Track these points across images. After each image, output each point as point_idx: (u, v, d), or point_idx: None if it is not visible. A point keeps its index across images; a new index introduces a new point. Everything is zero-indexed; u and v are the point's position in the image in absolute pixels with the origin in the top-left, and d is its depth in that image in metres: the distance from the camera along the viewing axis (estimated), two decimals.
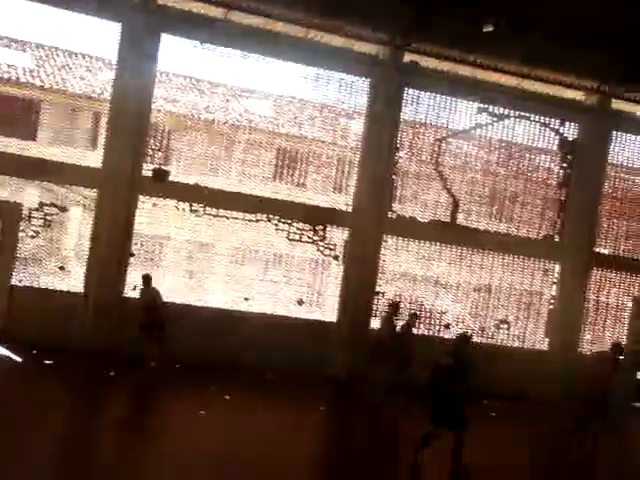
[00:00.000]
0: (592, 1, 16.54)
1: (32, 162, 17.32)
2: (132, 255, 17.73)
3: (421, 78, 19.42)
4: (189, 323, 17.06)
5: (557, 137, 20.89)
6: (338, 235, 19.22)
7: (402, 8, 18.05)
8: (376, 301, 19.23)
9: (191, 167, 19.01)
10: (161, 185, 17.87)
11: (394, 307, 17.82)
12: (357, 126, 19.66)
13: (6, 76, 19.57)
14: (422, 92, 19.68)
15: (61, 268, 17.77)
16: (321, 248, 19.12)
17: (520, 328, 20.78)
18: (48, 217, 17.49)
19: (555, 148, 21.10)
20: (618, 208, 21.55)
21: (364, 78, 19.22)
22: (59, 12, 17.76)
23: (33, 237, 17.40)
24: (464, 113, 20.17)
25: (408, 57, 19.19)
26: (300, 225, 18.88)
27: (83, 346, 16.07)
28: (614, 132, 21.04)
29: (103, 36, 17.99)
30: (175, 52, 18.40)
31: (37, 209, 17.39)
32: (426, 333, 19.57)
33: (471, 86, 19.76)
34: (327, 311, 19.38)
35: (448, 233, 19.90)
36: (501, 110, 20.32)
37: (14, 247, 17.10)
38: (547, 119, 20.69)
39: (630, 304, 21.44)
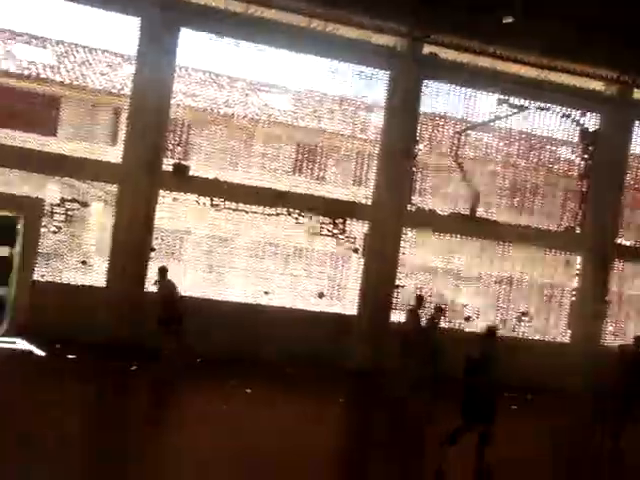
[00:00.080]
0: None
1: (53, 158, 17.44)
2: (153, 250, 17.81)
3: (440, 70, 19.35)
4: (209, 317, 17.10)
5: (578, 128, 20.77)
6: (358, 228, 19.21)
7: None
8: (396, 294, 19.21)
9: (211, 161, 19.04)
10: (181, 180, 17.93)
11: (419, 301, 17.79)
12: (376, 119, 19.62)
13: (27, 72, 19.66)
14: (441, 84, 19.64)
15: (83, 263, 17.85)
16: (341, 241, 19.14)
17: (541, 320, 20.68)
18: (69, 212, 17.59)
19: (576, 139, 20.99)
20: None
21: (383, 71, 19.20)
22: (79, 8, 17.85)
23: (55, 232, 17.51)
24: (484, 105, 20.12)
25: (427, 49, 19.14)
26: (320, 218, 18.90)
27: (105, 340, 16.16)
28: (635, 122, 20.88)
29: (123, 31, 18.07)
30: (194, 46, 18.41)
31: (59, 205, 17.50)
32: (447, 326, 19.47)
33: (491, 77, 19.67)
34: (347, 304, 19.37)
35: (468, 226, 19.83)
36: (521, 101, 20.23)
37: (36, 243, 17.23)
38: (568, 110, 20.58)
39: None
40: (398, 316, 19.10)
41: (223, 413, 13.22)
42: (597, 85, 20.51)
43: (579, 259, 20.79)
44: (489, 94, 20.01)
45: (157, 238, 17.99)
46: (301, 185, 19.23)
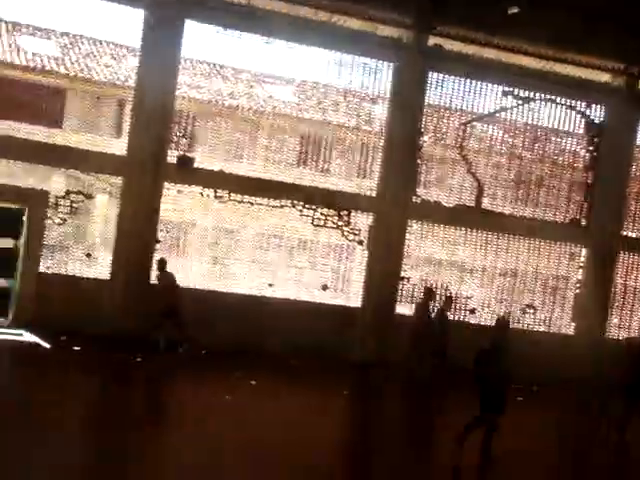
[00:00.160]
0: None
1: (58, 150, 17.46)
2: (158, 242, 17.83)
3: (445, 61, 19.28)
4: (214, 309, 17.16)
5: (583, 120, 20.68)
6: (362, 220, 19.19)
7: None
8: (401, 286, 19.21)
9: (215, 153, 19.05)
10: (186, 172, 17.93)
11: (429, 293, 17.82)
12: (381, 111, 19.58)
13: (32, 64, 19.70)
14: (446, 76, 19.57)
15: (88, 255, 17.89)
16: (345, 233, 19.12)
17: (546, 313, 20.66)
18: (74, 204, 17.61)
19: (581, 131, 20.90)
20: None
21: (388, 62, 19.13)
22: (83, 0, 17.85)
23: (60, 224, 17.53)
24: (489, 96, 20.04)
25: (432, 40, 19.06)
26: (324, 210, 18.88)
27: (110, 332, 16.19)
28: None
29: (127, 23, 18.08)
30: (199, 38, 18.44)
31: (64, 197, 17.51)
32: (452, 318, 19.45)
33: (496, 69, 19.61)
34: (352, 296, 19.37)
35: (473, 217, 19.80)
36: (526, 93, 20.15)
37: (41, 234, 17.27)
38: (573, 102, 20.49)
39: None
40: (404, 308, 19.13)
41: (227, 404, 13.24)
42: (603, 77, 20.43)
43: (584, 251, 20.75)
44: (494, 86, 19.93)
45: (162, 230, 18.01)
46: (306, 177, 19.22)
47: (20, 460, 9.02)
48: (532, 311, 20.47)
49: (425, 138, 19.58)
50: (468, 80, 19.68)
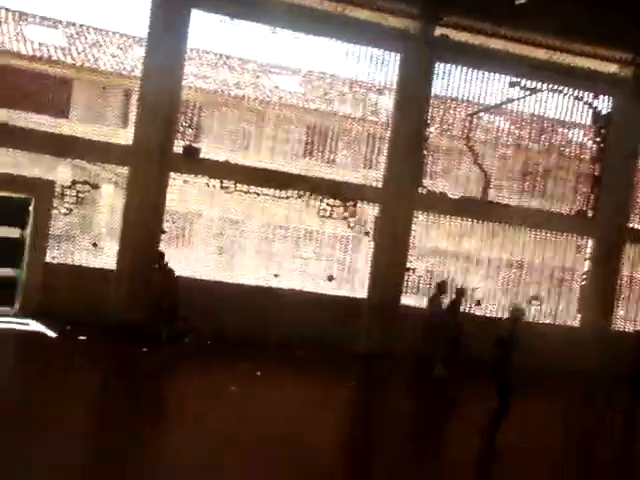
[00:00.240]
0: None
1: (64, 139, 17.47)
2: (163, 232, 17.85)
3: (452, 52, 19.21)
4: (219, 300, 17.18)
5: (590, 111, 20.61)
6: (368, 211, 19.18)
7: None
8: (406, 277, 19.21)
9: (222, 144, 19.03)
10: (192, 162, 17.93)
11: (441, 286, 17.88)
12: (387, 102, 19.53)
13: (38, 54, 19.71)
14: (453, 66, 19.50)
15: (94, 245, 17.91)
16: (351, 224, 19.11)
17: (552, 304, 20.63)
18: (80, 194, 17.63)
19: (588, 122, 20.84)
20: None
21: (394, 53, 19.07)
22: None
23: (66, 214, 17.55)
24: (496, 87, 19.99)
25: (439, 31, 18.98)
26: (330, 201, 18.86)
27: (116, 322, 16.23)
28: None
29: (133, 13, 18.04)
30: (205, 28, 18.36)
31: (70, 187, 17.53)
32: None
33: (503, 60, 19.53)
34: (357, 287, 19.38)
35: (479, 209, 19.76)
36: (533, 84, 20.09)
37: (47, 224, 17.29)
38: (580, 92, 20.42)
39: None
40: (409, 299, 19.14)
41: (233, 395, 13.26)
42: (611, 67, 20.34)
43: (590, 243, 20.70)
44: (501, 76, 19.87)
45: (167, 220, 18.02)
46: (312, 168, 19.20)
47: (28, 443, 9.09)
48: (538, 303, 20.44)
49: (431, 129, 19.54)
50: (475, 71, 19.62)
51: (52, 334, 15.80)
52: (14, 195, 17.46)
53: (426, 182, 19.52)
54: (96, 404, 12.29)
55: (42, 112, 18.58)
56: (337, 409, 13.82)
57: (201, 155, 18.15)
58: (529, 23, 18.59)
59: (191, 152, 18.02)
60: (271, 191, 18.47)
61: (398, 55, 19.05)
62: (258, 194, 18.46)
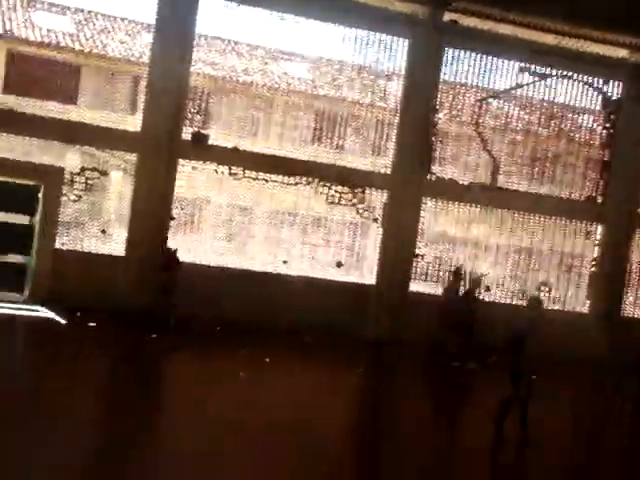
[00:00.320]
0: None
1: (73, 126, 17.47)
2: (172, 219, 17.86)
3: (461, 37, 19.12)
4: (228, 286, 17.21)
5: (600, 96, 20.51)
6: (377, 198, 19.15)
7: None
8: (415, 264, 19.19)
9: (230, 130, 19.01)
10: (200, 149, 17.92)
11: (457, 274, 17.88)
12: (396, 87, 19.46)
13: (46, 40, 19.69)
14: (462, 52, 19.44)
15: (103, 232, 17.95)
16: (360, 211, 19.09)
17: (561, 291, 20.60)
18: (89, 181, 17.66)
19: (598, 107, 20.74)
20: None
21: (403, 38, 19.00)
22: None
23: (75, 201, 17.59)
24: (505, 73, 19.91)
25: (448, 16, 18.88)
26: (339, 188, 18.84)
27: (125, 308, 16.28)
28: None
29: None
30: (213, 14, 18.32)
31: (79, 173, 17.56)
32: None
33: (512, 45, 19.41)
34: (366, 274, 19.39)
35: (488, 195, 19.71)
36: (543, 69, 19.99)
37: (56, 211, 17.34)
38: (590, 78, 20.32)
39: None
40: (418, 286, 19.15)
41: (241, 381, 13.31)
42: (620, 52, 20.19)
43: (600, 229, 20.63)
44: (510, 62, 19.78)
45: (176, 207, 18.04)
46: (320, 154, 19.16)
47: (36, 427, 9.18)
48: (547, 289, 20.41)
49: (440, 115, 19.47)
50: (484, 56, 19.54)
51: (62, 321, 15.87)
52: (24, 182, 17.49)
53: (435, 168, 19.47)
54: (105, 390, 12.35)
55: (50, 99, 18.58)
56: (345, 395, 13.86)
57: (209, 142, 18.15)
58: (538, 8, 18.45)
59: (199, 139, 18.01)
60: (280, 177, 18.47)
61: (407, 41, 18.98)
62: (267, 180, 18.45)
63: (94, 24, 20.96)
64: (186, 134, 17.95)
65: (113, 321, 15.89)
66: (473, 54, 19.44)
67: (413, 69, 18.90)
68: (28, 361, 13.47)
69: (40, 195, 17.44)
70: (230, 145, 18.38)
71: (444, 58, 19.17)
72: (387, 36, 19.00)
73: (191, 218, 18.57)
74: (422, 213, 19.20)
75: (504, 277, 20.29)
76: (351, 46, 19.04)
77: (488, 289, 19.87)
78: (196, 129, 18.20)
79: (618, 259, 20.44)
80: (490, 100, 20.18)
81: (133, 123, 17.96)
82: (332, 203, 18.91)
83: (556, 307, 20.45)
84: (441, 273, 19.45)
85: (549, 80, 20.13)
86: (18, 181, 17.40)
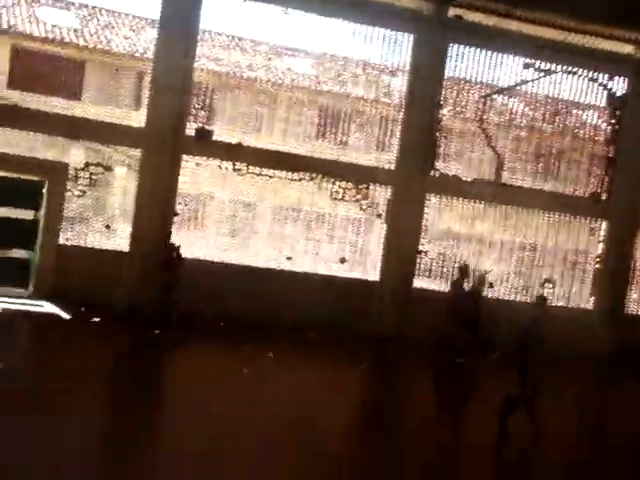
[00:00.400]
0: None
1: (77, 122, 17.48)
2: (176, 214, 17.87)
3: (466, 33, 19.08)
4: (232, 282, 17.23)
5: (605, 92, 20.45)
6: (381, 194, 19.13)
7: None
8: (419, 260, 19.18)
9: (234, 126, 19.00)
10: (204, 144, 17.92)
11: (463, 269, 17.85)
12: (400, 83, 19.43)
13: (51, 36, 19.70)
14: (467, 47, 19.38)
15: (107, 227, 17.97)
16: (364, 207, 19.08)
17: (565, 287, 20.56)
18: (94, 177, 17.68)
19: (603, 103, 20.67)
20: None
21: (407, 34, 18.96)
22: None
23: (79, 197, 17.61)
24: (509, 69, 19.85)
25: (452, 12, 18.84)
26: (343, 184, 18.82)
27: (129, 304, 16.31)
28: None
29: None
30: (217, 10, 18.30)
31: (83, 169, 17.59)
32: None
33: (517, 41, 19.35)
34: (369, 270, 19.38)
35: (492, 191, 19.66)
36: (547, 65, 19.92)
37: (61, 207, 17.36)
38: (595, 74, 20.25)
39: None
40: (422, 282, 19.13)
41: (245, 377, 13.32)
42: (626, 48, 20.13)
43: (604, 225, 20.59)
44: (515, 58, 19.73)
45: (180, 203, 18.04)
46: (324, 150, 19.15)
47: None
48: (551, 286, 20.37)
49: (444, 111, 19.44)
50: (488, 52, 19.48)
51: (65, 316, 15.90)
52: (28, 177, 17.51)
53: (439, 164, 19.44)
54: (108, 386, 12.37)
55: (55, 94, 18.61)
56: (348, 391, 13.86)
57: (213, 137, 18.14)
58: (544, 4, 18.44)
59: (203, 134, 18.01)
60: (283, 173, 18.46)
61: (411, 36, 18.94)
62: (270, 176, 18.44)
63: (98, 20, 20.97)
64: (190, 130, 17.95)
65: (117, 316, 15.91)
66: (478, 50, 19.39)
67: (417, 65, 18.86)
68: (31, 357, 13.49)
69: (44, 190, 17.48)
70: (234, 141, 18.37)
71: (449, 54, 19.13)
72: (392, 32, 18.96)
73: (195, 214, 18.58)
74: (426, 209, 19.18)
75: (508, 273, 20.25)
76: (355, 42, 19.05)
77: (492, 285, 19.84)
78: (200, 125, 18.20)
79: (622, 256, 20.40)
80: (495, 96, 20.16)
81: (137, 119, 17.97)
82: (336, 199, 18.89)
83: (560, 304, 20.41)
84: (445, 269, 19.42)
85: (554, 76, 20.07)
86: (22, 176, 17.44)
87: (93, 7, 21.21)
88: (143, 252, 17.31)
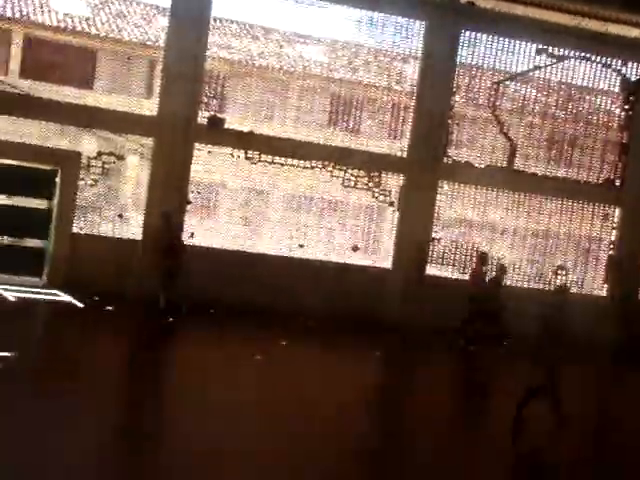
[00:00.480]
0: None
1: (89, 111, 17.52)
2: (189, 203, 17.91)
3: (478, 19, 18.98)
4: (244, 270, 17.27)
5: (619, 78, 20.30)
6: (393, 181, 19.10)
7: None
8: (431, 247, 19.16)
9: (246, 114, 19.00)
10: (216, 132, 17.93)
11: (481, 259, 17.80)
12: (412, 70, 19.36)
13: (62, 25, 19.71)
14: (479, 34, 19.28)
15: (120, 216, 18.02)
16: (376, 194, 19.05)
17: (578, 274, 20.50)
18: (106, 166, 17.72)
19: (616, 89, 20.53)
20: None
21: (419, 21, 18.87)
22: None
23: (92, 186, 17.67)
24: (522, 55, 19.69)
25: None
26: (355, 171, 18.81)
27: (142, 293, 16.37)
28: None
29: None
30: None
31: (95, 158, 17.64)
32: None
33: (529, 26, 19.23)
34: (382, 258, 19.37)
35: (505, 178, 19.60)
36: (560, 51, 19.80)
37: (74, 196, 17.43)
38: (608, 59, 20.10)
39: None
40: (434, 269, 19.11)
41: (257, 364, 13.36)
42: (639, 33, 19.98)
43: (618, 212, 20.49)
44: (527, 44, 19.60)
45: (192, 191, 18.07)
46: (336, 138, 19.12)
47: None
48: (564, 273, 20.31)
49: (457, 98, 19.37)
50: (501, 38, 19.37)
51: (79, 304, 15.98)
52: (41, 166, 17.57)
53: (451, 151, 19.39)
54: (123, 374, 12.44)
55: (67, 83, 18.64)
56: (361, 379, 13.86)
57: (225, 125, 18.14)
58: None
59: (215, 123, 18.02)
60: (295, 161, 18.45)
61: (423, 23, 18.85)
62: (282, 164, 18.44)
63: (110, 8, 20.95)
64: (202, 118, 17.96)
65: (130, 305, 15.98)
66: (490, 36, 19.28)
67: (430, 52, 18.78)
68: (45, 345, 13.57)
69: (57, 180, 17.54)
70: (246, 129, 18.37)
71: (461, 40, 19.04)
72: (403, 18, 18.88)
73: (207, 202, 18.61)
74: (438, 197, 19.14)
75: (521, 260, 20.20)
76: (367, 29, 18.97)
77: (505, 272, 19.75)
78: (212, 113, 18.20)
79: (636, 242, 20.30)
80: (507, 82, 20.04)
81: (149, 107, 17.99)
82: (348, 187, 18.88)
83: (573, 291, 20.32)
84: (457, 257, 19.38)
85: (567, 62, 19.95)
86: (35, 166, 17.50)
87: None
88: (156, 241, 17.31)
